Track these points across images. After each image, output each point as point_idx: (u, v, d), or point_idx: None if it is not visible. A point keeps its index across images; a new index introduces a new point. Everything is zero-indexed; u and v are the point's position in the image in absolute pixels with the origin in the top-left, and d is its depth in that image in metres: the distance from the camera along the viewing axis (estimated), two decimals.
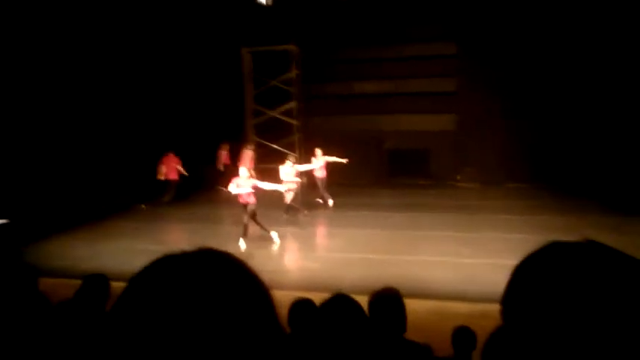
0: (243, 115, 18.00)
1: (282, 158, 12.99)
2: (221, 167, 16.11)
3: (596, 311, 0.56)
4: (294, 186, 11.25)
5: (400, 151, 17.37)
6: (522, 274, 0.66)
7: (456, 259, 7.97)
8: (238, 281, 0.63)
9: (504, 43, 15.69)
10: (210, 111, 16.52)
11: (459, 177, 16.81)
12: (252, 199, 9.22)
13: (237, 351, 0.57)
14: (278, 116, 17.59)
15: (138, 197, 13.12)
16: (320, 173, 13.01)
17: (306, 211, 11.68)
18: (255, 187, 9.28)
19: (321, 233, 10.13)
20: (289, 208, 11.27)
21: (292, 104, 17.41)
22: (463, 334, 3.30)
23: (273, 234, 9.38)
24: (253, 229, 9.31)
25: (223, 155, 16.29)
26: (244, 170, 9.68)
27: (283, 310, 3.31)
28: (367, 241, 9.29)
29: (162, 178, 13.55)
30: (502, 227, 10.59)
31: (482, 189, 15.38)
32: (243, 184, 9.25)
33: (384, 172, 17.31)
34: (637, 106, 13.13)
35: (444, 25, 16.49)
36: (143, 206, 13.02)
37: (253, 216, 9.28)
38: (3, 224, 9.08)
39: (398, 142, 17.39)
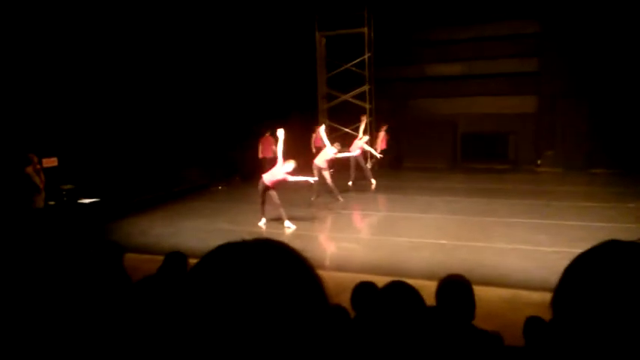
0: (316, 99, 18.15)
1: (351, 141, 13.12)
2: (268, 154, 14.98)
3: None
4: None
5: (475, 134, 16.82)
6: (575, 271, 0.64)
7: (533, 247, 7.66)
8: (289, 269, 0.67)
9: (590, 20, 14.64)
10: (284, 94, 16.77)
11: (539, 162, 16.04)
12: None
13: (288, 334, 0.61)
14: (350, 100, 17.58)
15: (215, 178, 13.70)
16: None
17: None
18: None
19: (390, 217, 10.07)
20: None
21: (365, 87, 17.31)
22: (535, 325, 3.19)
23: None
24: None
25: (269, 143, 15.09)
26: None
27: (347, 293, 3.37)
28: (438, 226, 9.13)
29: (260, 156, 14.58)
30: (583, 215, 10.03)
31: (563, 174, 14.59)
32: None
33: (457, 157, 16.87)
34: None
35: (526, 2, 15.62)
36: (220, 187, 13.59)
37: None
38: (94, 202, 9.78)
39: (473, 125, 16.84)
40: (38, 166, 8.35)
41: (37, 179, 8.23)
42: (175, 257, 4.03)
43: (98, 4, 10.63)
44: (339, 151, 11.83)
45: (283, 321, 0.61)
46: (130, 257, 5.32)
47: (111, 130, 10.90)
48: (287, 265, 0.67)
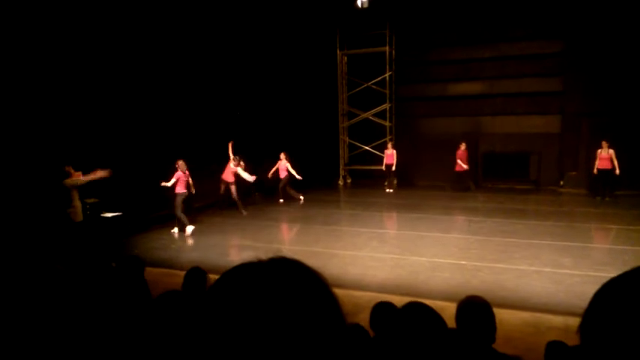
0: (337, 117, 18.25)
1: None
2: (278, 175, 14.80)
3: None
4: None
5: (497, 154, 16.67)
6: (605, 297, 0.64)
7: (555, 270, 7.50)
8: (305, 288, 0.67)
9: (613, 38, 14.49)
10: (305, 112, 16.89)
11: (562, 182, 15.79)
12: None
13: (305, 353, 0.61)
14: (371, 118, 17.63)
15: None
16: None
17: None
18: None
19: (410, 236, 9.98)
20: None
21: (385, 106, 17.36)
22: (557, 349, 3.12)
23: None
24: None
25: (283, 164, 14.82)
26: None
27: (365, 313, 3.34)
28: (458, 246, 9.02)
29: (271, 176, 14.35)
30: (607, 238, 9.84)
31: (587, 196, 14.33)
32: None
33: (479, 176, 16.72)
34: None
35: (549, 23, 15.56)
36: (244, 212, 12.59)
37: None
38: (116, 216, 9.92)
39: (494, 144, 16.70)
40: (81, 178, 8.29)
41: (74, 193, 8.24)
42: (195, 273, 4.05)
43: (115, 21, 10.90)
44: (237, 165, 12.42)
45: (300, 340, 0.61)
46: (151, 271, 5.38)
47: (133, 143, 11.07)
48: (303, 284, 0.67)
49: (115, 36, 10.62)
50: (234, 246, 10.11)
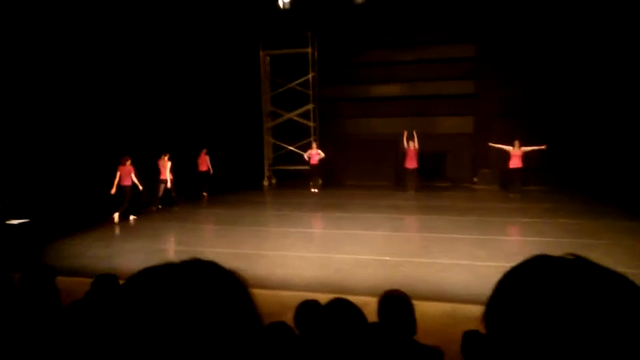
0: (261, 117, 18.15)
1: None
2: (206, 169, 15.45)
3: (575, 326, 0.56)
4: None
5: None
6: (506, 286, 0.66)
7: (472, 262, 7.89)
8: (218, 289, 0.64)
9: (525, 45, 15.53)
10: (228, 112, 16.62)
11: (476, 179, 16.67)
12: None
13: (218, 356, 0.58)
14: (295, 118, 17.68)
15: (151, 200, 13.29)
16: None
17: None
18: None
19: (335, 235, 10.12)
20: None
21: (309, 106, 17.47)
22: (473, 338, 3.27)
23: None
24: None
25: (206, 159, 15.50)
26: None
27: (292, 312, 3.33)
28: (381, 243, 9.26)
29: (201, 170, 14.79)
30: (518, 230, 10.50)
31: (498, 192, 15.22)
32: None
33: (400, 175, 17.26)
34: None
35: (463, 28, 16.38)
36: (154, 208, 13.10)
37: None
38: (23, 223, 9.25)
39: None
40: None
41: None
42: (105, 280, 3.86)
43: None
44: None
45: (210, 341, 0.58)
46: (64, 280, 5.05)
47: (41, 146, 10.39)
48: (215, 286, 0.64)
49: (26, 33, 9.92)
50: (156, 251, 9.73)
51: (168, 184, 13.07)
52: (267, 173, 18.44)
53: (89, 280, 5.92)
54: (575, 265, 0.63)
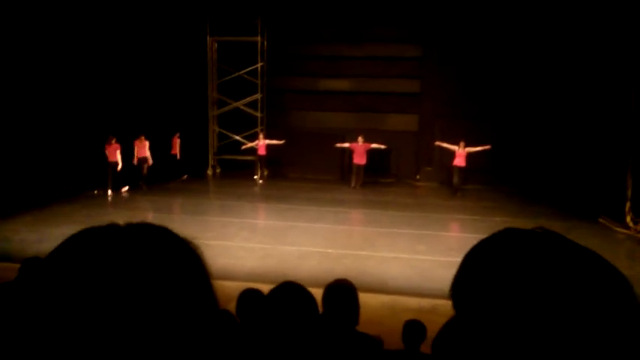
0: (207, 105, 17.76)
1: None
2: (176, 153, 16.15)
3: (546, 299, 0.55)
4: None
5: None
6: (473, 260, 0.64)
7: (412, 256, 8.08)
8: (172, 255, 0.58)
9: (469, 47, 16.00)
10: (173, 99, 16.12)
11: (418, 176, 17.06)
12: None
13: (164, 325, 0.52)
14: (242, 107, 17.43)
15: (89, 183, 12.75)
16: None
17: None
18: None
19: (279, 227, 10.06)
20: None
21: (257, 96, 17.27)
22: (413, 328, 3.32)
23: None
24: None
25: (177, 143, 16.09)
26: None
27: (234, 302, 3.26)
28: (325, 236, 9.30)
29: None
30: (457, 227, 10.84)
31: (440, 189, 15.65)
32: None
33: (345, 169, 17.39)
34: (600, 111, 13.10)
35: (411, 28, 16.68)
36: (95, 192, 12.72)
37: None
38: None
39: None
40: None
41: None
42: (34, 263, 3.66)
43: None
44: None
45: (158, 317, 0.52)
46: None
47: None
48: (166, 251, 0.58)
49: None
50: None
51: (150, 161, 13.90)
52: (211, 162, 18.08)
53: (16, 266, 5.60)
54: (545, 237, 0.62)
